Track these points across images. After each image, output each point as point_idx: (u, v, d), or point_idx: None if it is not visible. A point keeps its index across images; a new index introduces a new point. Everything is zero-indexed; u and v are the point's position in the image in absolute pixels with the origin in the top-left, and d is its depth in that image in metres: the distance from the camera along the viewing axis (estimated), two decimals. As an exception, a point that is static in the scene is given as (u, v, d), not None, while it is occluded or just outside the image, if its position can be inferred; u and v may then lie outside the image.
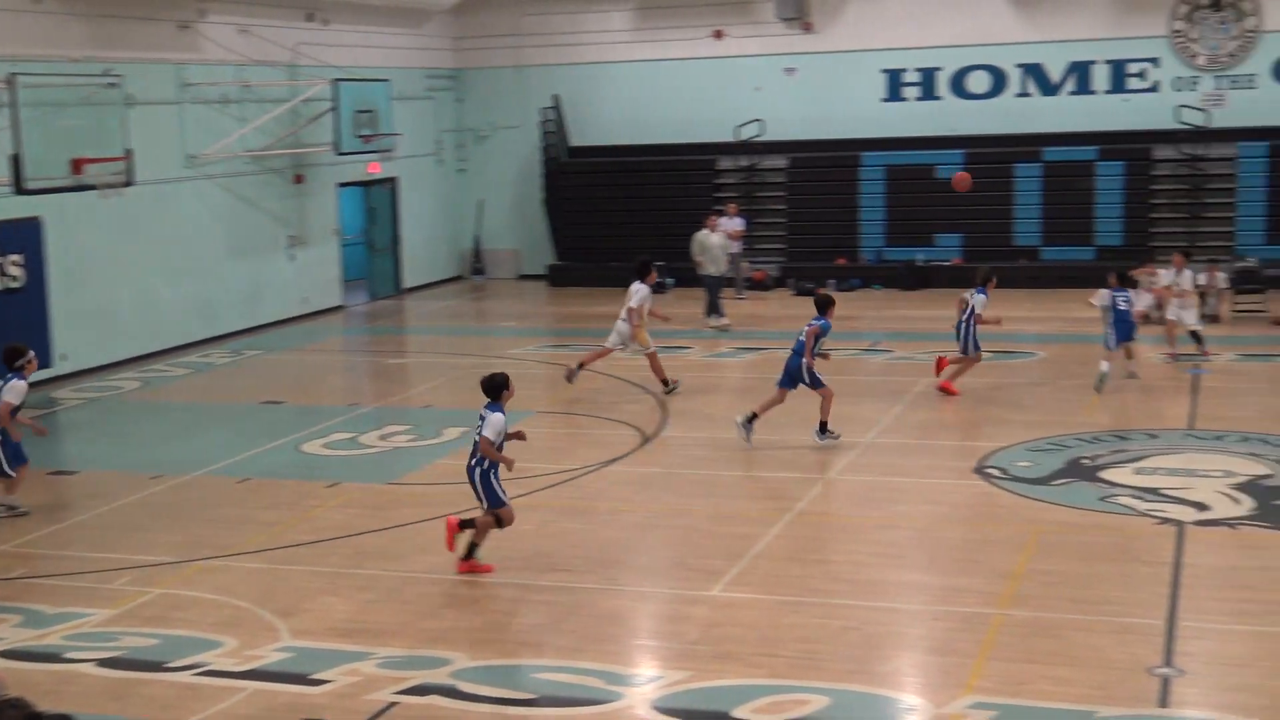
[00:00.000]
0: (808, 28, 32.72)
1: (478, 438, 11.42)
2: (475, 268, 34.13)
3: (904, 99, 32.73)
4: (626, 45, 33.60)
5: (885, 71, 32.70)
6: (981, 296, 18.68)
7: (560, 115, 33.59)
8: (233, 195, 25.83)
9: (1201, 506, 12.67)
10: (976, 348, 18.58)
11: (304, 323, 27.13)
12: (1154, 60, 31.27)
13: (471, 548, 11.60)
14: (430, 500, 13.78)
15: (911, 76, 32.61)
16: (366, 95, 27.37)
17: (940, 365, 18.76)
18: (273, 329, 26.15)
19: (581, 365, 18.98)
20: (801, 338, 15.91)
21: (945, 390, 18.36)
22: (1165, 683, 8.85)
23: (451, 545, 11.59)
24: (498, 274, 34.07)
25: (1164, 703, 8.59)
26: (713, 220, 26.80)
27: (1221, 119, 30.53)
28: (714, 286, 25.84)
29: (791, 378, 15.92)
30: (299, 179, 27.68)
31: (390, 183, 31.35)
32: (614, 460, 15.32)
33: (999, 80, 32.21)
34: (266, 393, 20.08)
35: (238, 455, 16.13)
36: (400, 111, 29.52)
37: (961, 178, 21.34)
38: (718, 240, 26.23)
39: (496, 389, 11.56)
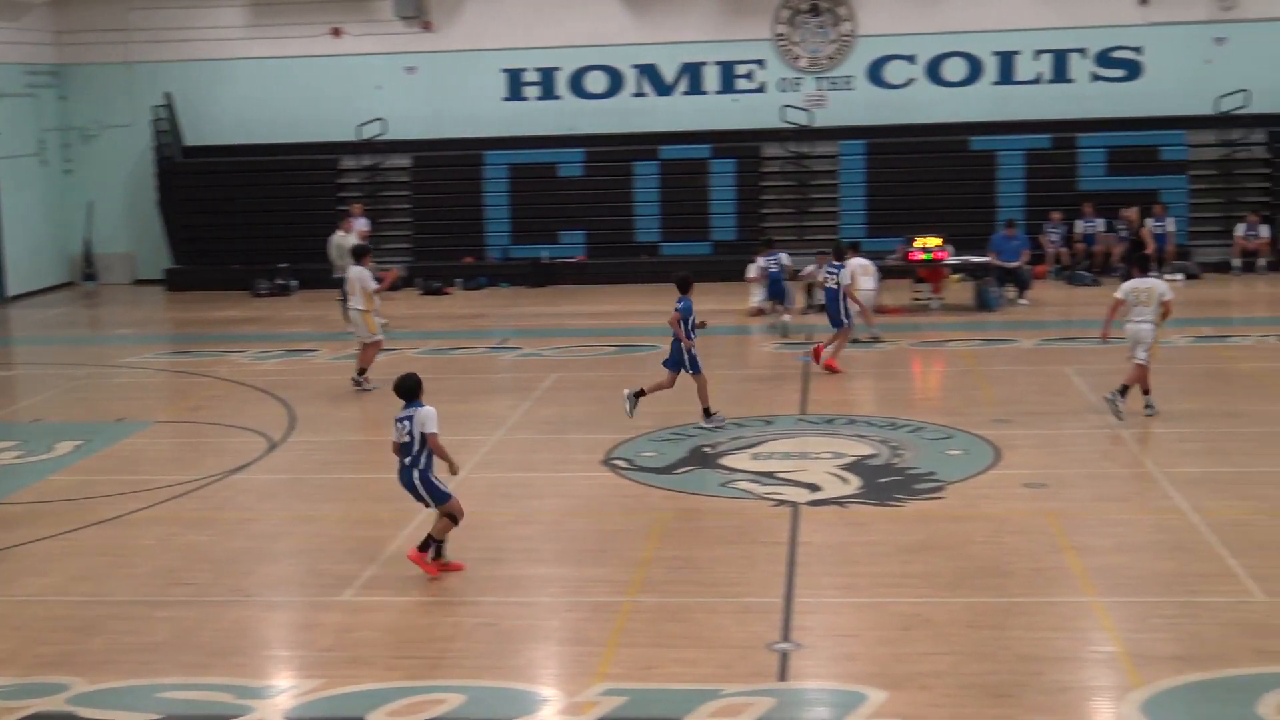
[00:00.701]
0: (427, 26, 32.65)
1: (405, 439, 11.11)
2: (87, 273, 32.57)
3: (525, 98, 33.06)
4: (241, 42, 32.69)
5: (505, 71, 32.96)
6: (846, 271, 19.49)
7: (173, 114, 32.42)
8: None
9: (814, 488, 13.33)
10: (849, 318, 19.32)
11: (-105, 336, 25.27)
12: (760, 62, 32.63)
13: (438, 547, 11.20)
14: (41, 520, 13.07)
15: (531, 76, 32.98)
16: (-45, 91, 25.72)
17: (818, 353, 19.45)
18: None
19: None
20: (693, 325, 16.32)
21: (830, 369, 19.22)
22: (784, 657, 9.28)
23: (434, 571, 11.12)
24: (112, 279, 32.61)
25: (783, 676, 9.01)
26: (348, 222, 26.26)
27: (823, 118, 32.16)
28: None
29: (677, 361, 16.21)
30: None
31: (-12, 185, 29.55)
32: (240, 468, 14.92)
33: (616, 80, 32.94)
34: None
35: None
36: (-4, 109, 27.87)
37: None
38: (354, 242, 25.47)
39: (414, 389, 11.33)
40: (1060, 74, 32.15)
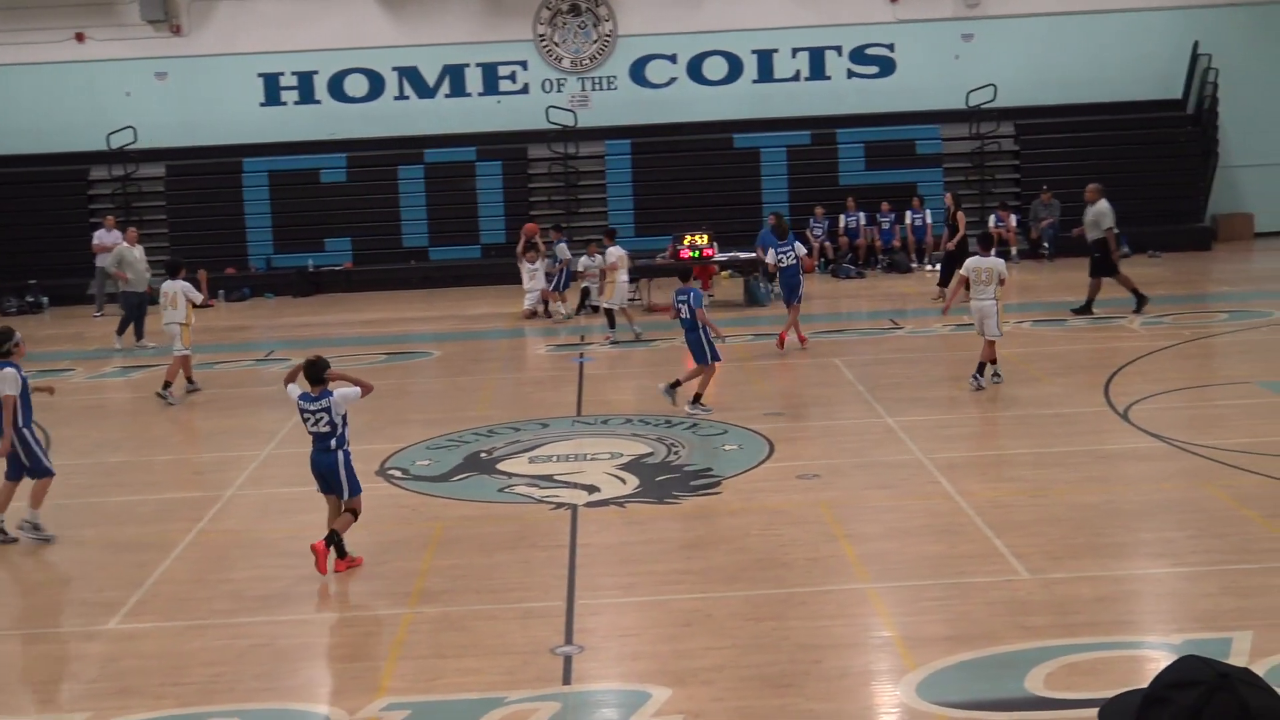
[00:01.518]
0: (177, 30, 31.81)
1: (325, 429, 11.07)
2: None
3: (283, 103, 32.50)
4: (-23, 48, 31.37)
5: (262, 75, 32.34)
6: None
7: (-96, 125, 30.91)
8: None
9: (592, 489, 13.38)
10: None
11: None
12: (522, 63, 32.70)
13: (339, 544, 11.14)
14: None
15: (289, 80, 32.43)
16: None
17: (782, 339, 20.01)
18: None
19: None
20: (684, 315, 16.48)
21: (802, 342, 19.92)
22: (568, 660, 9.28)
23: (340, 567, 11.13)
24: None
25: (567, 680, 9.02)
26: (132, 232, 24.93)
27: (588, 119, 32.37)
28: (139, 304, 23.70)
29: (702, 353, 16.45)
30: None
31: None
32: (-9, 497, 14.25)
33: (377, 83, 32.61)
34: None
35: None
36: None
37: None
38: (140, 254, 24.36)
39: (321, 371, 11.22)
40: (818, 71, 32.99)
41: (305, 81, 32.50)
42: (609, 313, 22.16)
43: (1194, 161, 32.35)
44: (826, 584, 10.48)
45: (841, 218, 31.09)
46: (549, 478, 13.86)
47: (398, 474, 14.31)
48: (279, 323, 26.41)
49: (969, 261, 17.31)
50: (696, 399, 16.48)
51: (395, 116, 32.47)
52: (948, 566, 10.71)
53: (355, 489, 11.37)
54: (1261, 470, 12.90)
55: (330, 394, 11.24)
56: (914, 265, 30.17)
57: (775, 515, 12.30)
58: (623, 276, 22.67)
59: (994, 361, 17.08)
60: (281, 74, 32.43)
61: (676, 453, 14.71)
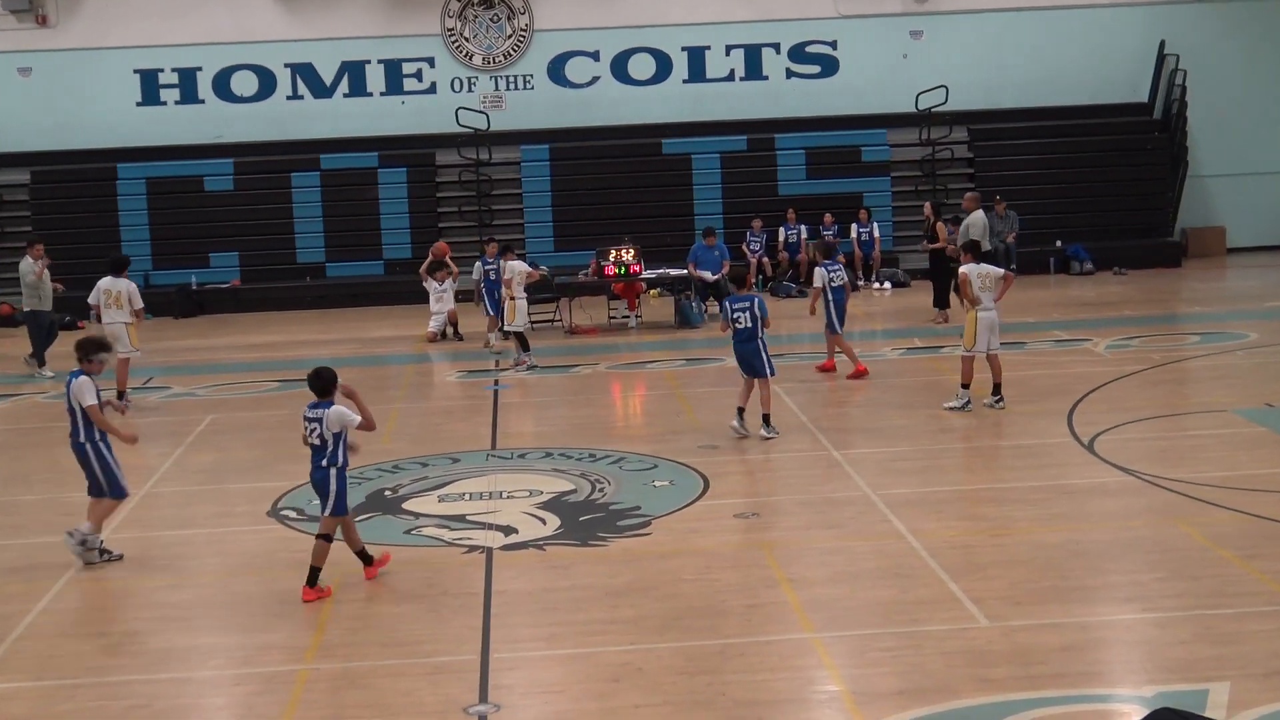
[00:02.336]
0: (43, 20, 31.50)
1: (316, 442, 11.64)
2: None
3: (163, 102, 32.30)
4: None
5: (138, 72, 32.11)
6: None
7: None
8: None
9: (509, 530, 13.34)
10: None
11: None
12: (430, 60, 32.70)
13: (315, 573, 11.65)
14: None
15: (169, 77, 32.21)
16: None
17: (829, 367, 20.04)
18: None
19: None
20: (743, 325, 16.45)
21: (832, 369, 20.18)
22: (483, 720, 9.26)
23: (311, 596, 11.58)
24: None
25: (483, 742, 8.99)
26: (37, 248, 24.04)
27: (502, 121, 32.39)
28: (50, 325, 23.58)
29: (750, 365, 16.48)
30: None
31: None
32: None
33: (267, 81, 32.46)
34: None
35: None
36: None
37: None
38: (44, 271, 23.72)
39: (330, 385, 11.75)
40: (754, 71, 33.25)
41: (187, 79, 32.28)
42: (519, 336, 22.14)
43: (1162, 170, 32.89)
44: (767, 634, 10.50)
45: (781, 231, 31.28)
46: (461, 518, 13.81)
47: (292, 514, 14.20)
48: (158, 346, 26.09)
49: (972, 269, 17.55)
50: (766, 420, 16.62)
51: (288, 118, 32.32)
52: (900, 614, 10.77)
53: (337, 509, 11.78)
54: (1238, 506, 13.09)
55: (328, 406, 11.70)
56: (861, 283, 30.38)
57: (711, 558, 12.32)
58: (522, 296, 22.45)
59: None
60: (161, 70, 32.18)
61: (601, 490, 14.70)
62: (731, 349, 17.01)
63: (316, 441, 11.73)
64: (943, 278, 24.60)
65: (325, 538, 11.75)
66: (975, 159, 33.35)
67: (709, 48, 33.16)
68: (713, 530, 13.20)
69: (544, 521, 13.64)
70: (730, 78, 33.29)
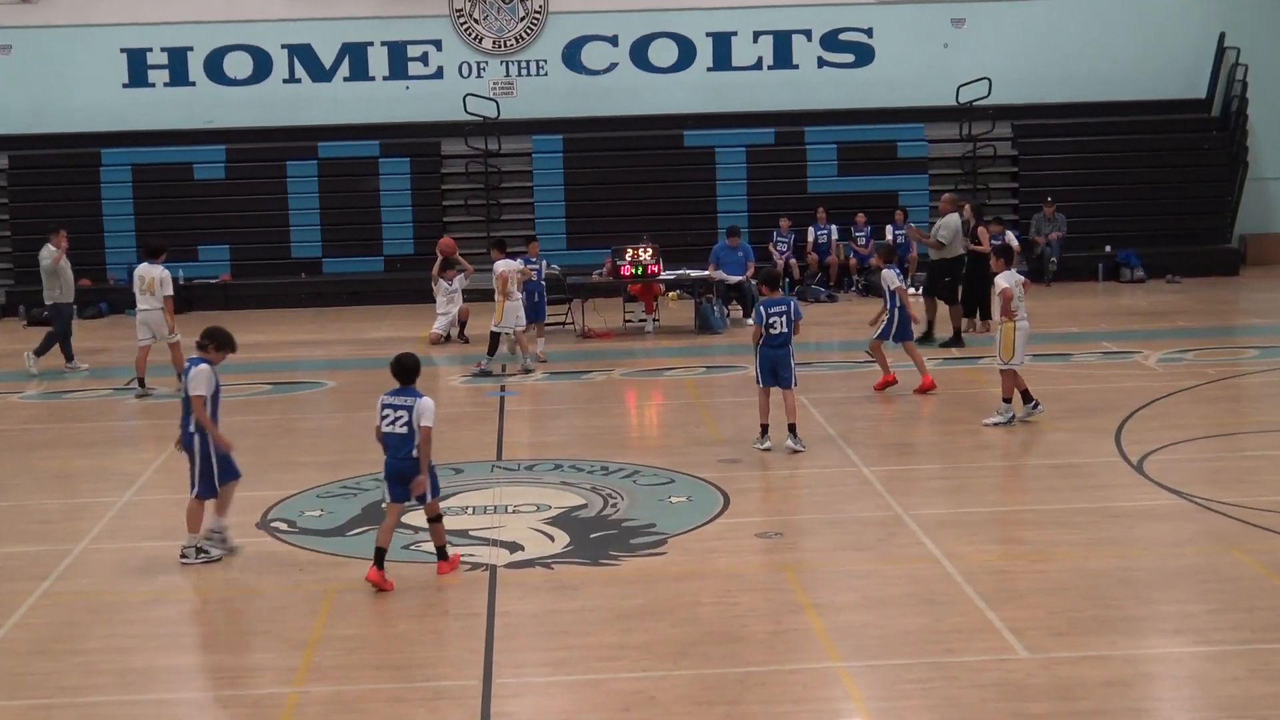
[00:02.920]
0: (24, -4, 31.65)
1: (402, 430, 12.13)
2: None
3: (151, 84, 32.40)
4: None
5: (125, 51, 32.23)
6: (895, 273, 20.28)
7: None
8: None
9: (514, 547, 13.35)
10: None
11: None
12: (436, 43, 32.75)
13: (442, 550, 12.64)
14: None
15: (158, 58, 32.31)
16: None
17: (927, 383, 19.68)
18: None
19: None
20: (778, 330, 16.48)
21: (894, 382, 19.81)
22: (484, 750, 9.27)
23: (450, 566, 12.62)
24: None
25: (484, 773, 9.00)
26: (61, 234, 23.98)
27: (513, 109, 32.40)
28: (69, 319, 23.83)
29: (775, 373, 16.58)
30: None
31: None
32: None
33: (263, 63, 32.55)
34: None
35: None
36: None
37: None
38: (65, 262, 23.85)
39: (415, 372, 12.45)
40: (783, 59, 33.26)
41: (177, 59, 32.37)
42: (494, 337, 22.13)
43: (1220, 172, 32.83)
44: (790, 662, 10.50)
45: (810, 231, 31.29)
46: (463, 533, 13.81)
47: (283, 526, 14.22)
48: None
49: (1012, 278, 17.55)
50: (792, 429, 16.67)
51: (284, 103, 32.39)
52: (932, 643, 10.76)
53: (436, 490, 12.58)
54: (1297, 533, 13.08)
55: (418, 396, 12.25)
56: (894, 288, 30.32)
57: (730, 580, 12.32)
58: (516, 297, 22.42)
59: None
60: (149, 50, 32.28)
61: (614, 505, 14.71)
62: (753, 355, 16.98)
63: (403, 430, 12.18)
64: (977, 285, 24.60)
65: (436, 519, 12.59)
66: (1019, 157, 33.32)
67: (735, 34, 33.17)
68: (733, 550, 13.20)
69: (552, 538, 13.64)
70: (757, 66, 33.30)
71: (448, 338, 25.38)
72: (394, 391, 12.36)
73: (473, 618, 11.59)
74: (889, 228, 30.93)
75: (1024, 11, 33.42)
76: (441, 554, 12.63)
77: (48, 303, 23.76)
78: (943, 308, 24.25)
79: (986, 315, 24.57)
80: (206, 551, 13.09)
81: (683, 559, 12.96)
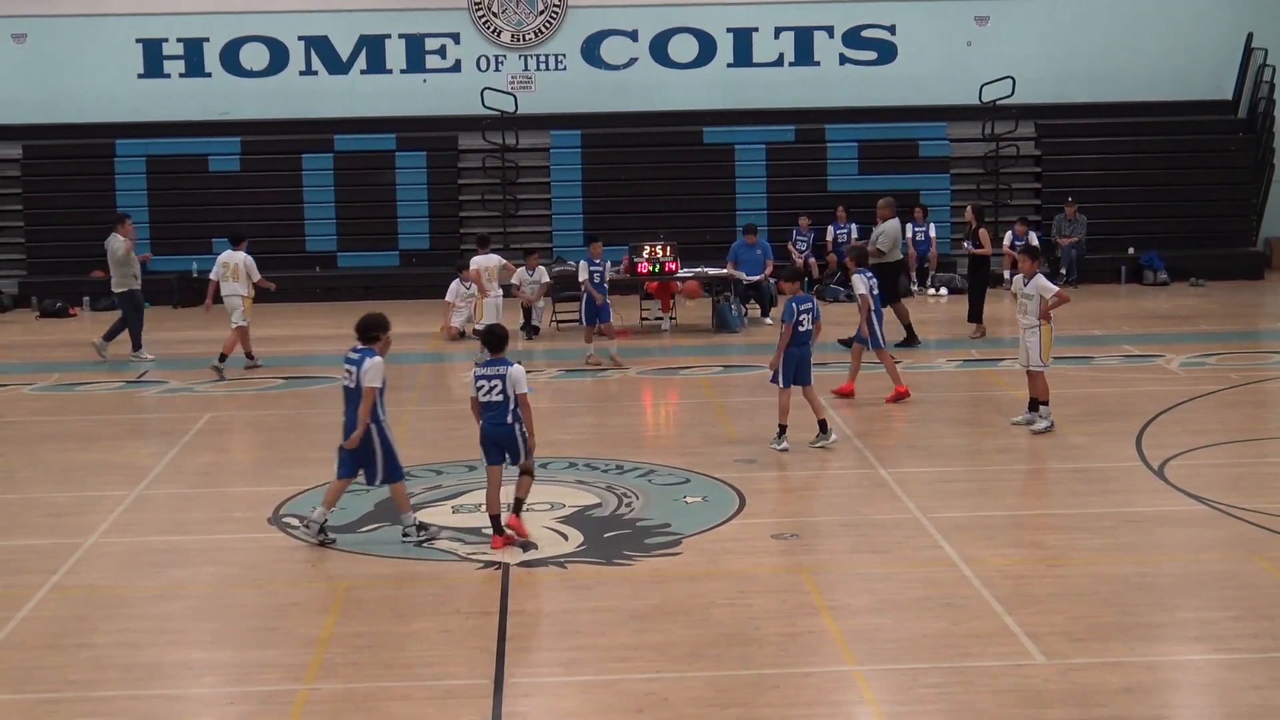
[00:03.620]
0: (35, -16, 31.71)
1: (498, 398, 12.96)
2: None
3: (166, 75, 32.46)
4: None
5: (141, 41, 32.29)
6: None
7: None
8: None
9: (527, 545, 13.36)
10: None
11: None
12: (454, 36, 32.77)
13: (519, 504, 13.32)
14: None
15: (173, 48, 32.37)
16: None
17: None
18: None
19: None
20: (805, 327, 16.58)
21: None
22: (495, 750, 9.28)
23: (524, 532, 13.25)
24: None
25: (494, 773, 9.00)
26: (127, 223, 24.26)
27: (531, 104, 32.40)
28: (140, 308, 24.10)
29: (799, 371, 16.68)
30: None
31: None
32: None
33: (279, 55, 32.58)
34: None
35: None
36: None
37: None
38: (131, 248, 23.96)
39: (504, 341, 13.32)
40: (804, 55, 33.23)
41: (193, 50, 32.42)
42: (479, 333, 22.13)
43: (1246, 174, 32.75)
44: (805, 665, 10.49)
45: (829, 229, 31.23)
46: (476, 531, 13.82)
47: (294, 523, 14.23)
48: (155, 338, 26.18)
49: (1046, 282, 17.47)
50: (823, 425, 16.83)
51: (300, 95, 32.43)
52: (949, 647, 10.75)
53: (528, 451, 13.18)
54: (1320, 540, 13.04)
55: (509, 363, 13.01)
56: (914, 288, 30.28)
57: (745, 582, 12.31)
58: (496, 289, 22.21)
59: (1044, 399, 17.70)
60: (165, 40, 32.34)
61: (629, 504, 14.71)
62: (774, 354, 16.94)
63: (498, 398, 12.98)
64: (980, 289, 24.59)
65: (528, 472, 13.28)
66: (1042, 157, 33.26)
67: (756, 29, 33.14)
68: (748, 552, 13.19)
69: (566, 537, 13.65)
70: (779, 62, 33.27)
71: (462, 335, 25.38)
72: (485, 362, 13.18)
73: (485, 616, 11.60)
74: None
75: (1049, 10, 33.36)
76: (518, 507, 13.29)
77: (117, 290, 23.89)
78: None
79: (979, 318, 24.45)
80: (426, 528, 13.60)
81: (697, 560, 12.96)
